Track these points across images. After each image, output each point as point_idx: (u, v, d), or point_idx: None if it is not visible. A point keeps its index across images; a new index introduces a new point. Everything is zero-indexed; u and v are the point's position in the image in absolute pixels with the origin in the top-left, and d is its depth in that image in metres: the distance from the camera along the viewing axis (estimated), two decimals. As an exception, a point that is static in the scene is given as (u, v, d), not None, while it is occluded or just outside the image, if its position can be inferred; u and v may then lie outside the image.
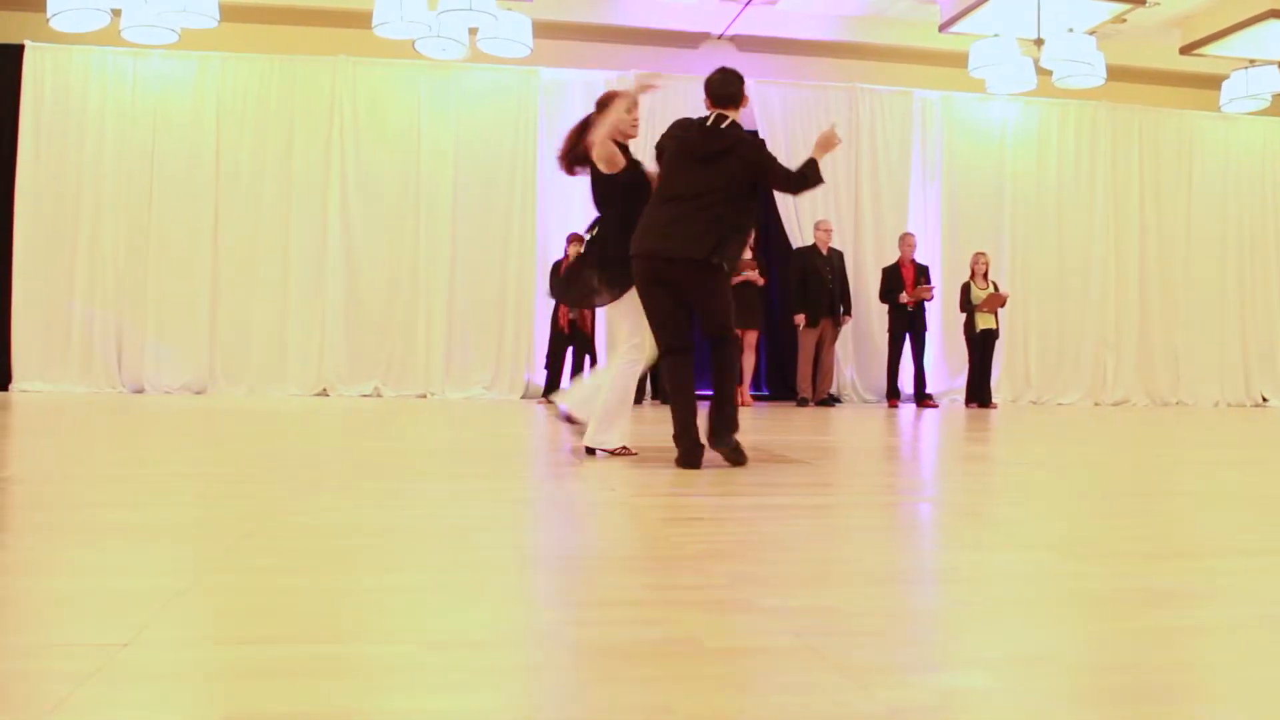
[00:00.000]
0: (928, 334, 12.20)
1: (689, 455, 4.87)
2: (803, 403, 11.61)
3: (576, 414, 5.36)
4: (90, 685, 1.63)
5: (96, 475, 4.35)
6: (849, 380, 12.48)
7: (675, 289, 4.92)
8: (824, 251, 11.73)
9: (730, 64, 12.35)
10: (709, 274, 4.91)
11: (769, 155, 5.13)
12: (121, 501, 3.64)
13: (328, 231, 11.45)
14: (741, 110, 5.12)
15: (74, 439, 6.12)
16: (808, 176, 5.06)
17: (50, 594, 2.28)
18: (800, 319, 11.62)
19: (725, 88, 5.09)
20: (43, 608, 2.18)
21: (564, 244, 11.21)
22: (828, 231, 11.81)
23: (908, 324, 11.88)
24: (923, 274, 11.98)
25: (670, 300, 4.94)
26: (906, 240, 11.99)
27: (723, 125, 5.00)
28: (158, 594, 2.23)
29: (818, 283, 11.63)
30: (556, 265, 11.16)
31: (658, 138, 5.22)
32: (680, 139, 5.05)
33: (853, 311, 12.17)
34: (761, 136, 12.31)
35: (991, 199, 12.99)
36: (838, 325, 11.84)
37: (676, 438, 4.91)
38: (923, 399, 11.97)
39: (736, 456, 4.91)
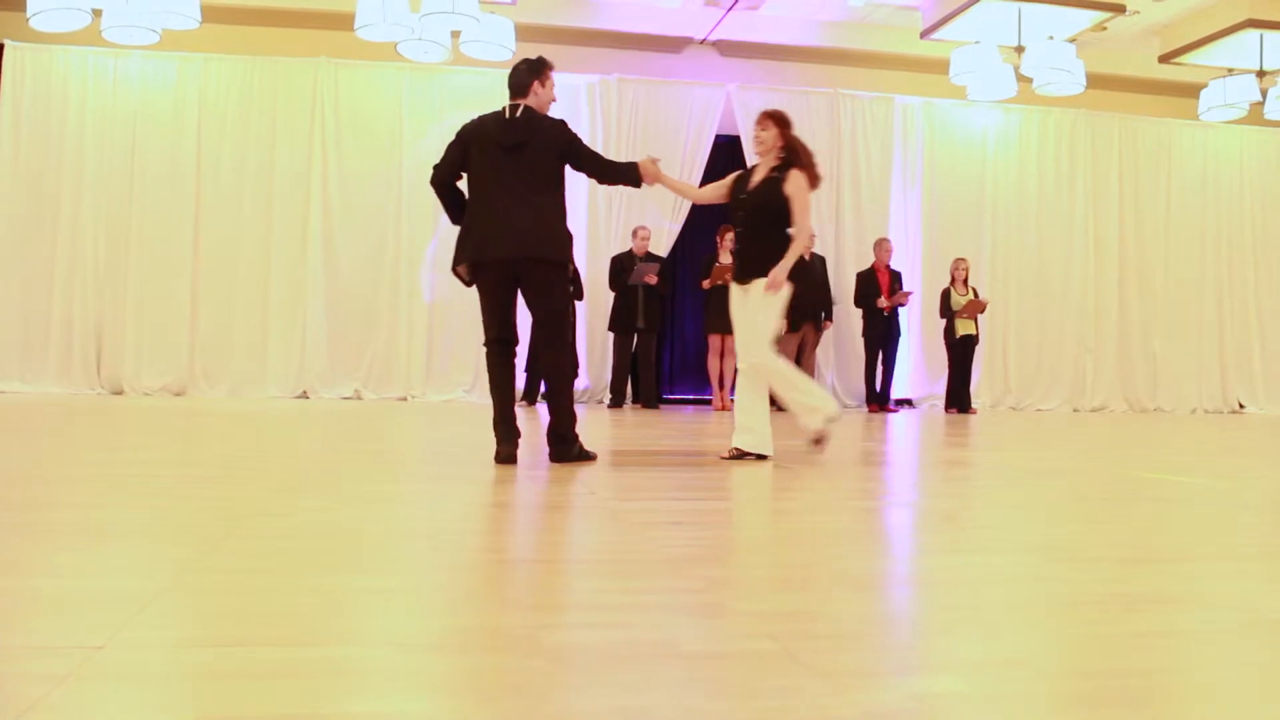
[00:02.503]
0: (909, 339, 12.25)
1: (506, 447, 5.04)
2: (780, 408, 11.62)
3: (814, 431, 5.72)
4: (65, 687, 1.62)
5: (74, 476, 4.32)
6: (829, 385, 12.51)
7: (515, 287, 5.13)
8: (806, 257, 11.74)
9: (713, 69, 12.55)
10: (556, 273, 5.13)
11: (576, 137, 5.23)
12: (99, 503, 3.62)
13: (309, 233, 11.42)
14: (541, 97, 5.19)
15: (52, 440, 6.09)
16: (623, 171, 5.36)
17: (26, 595, 2.27)
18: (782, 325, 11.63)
19: (515, 77, 5.20)
20: (18, 609, 2.16)
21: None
22: (810, 237, 11.83)
23: (884, 329, 11.91)
24: (896, 280, 12.02)
25: (508, 296, 5.15)
26: (883, 245, 12.02)
27: (518, 114, 5.12)
28: (134, 595, 2.22)
29: (800, 288, 11.65)
30: None
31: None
32: (480, 133, 5.14)
33: (833, 317, 12.21)
34: (743, 141, 12.34)
35: (972, 205, 13.05)
36: (819, 330, 11.87)
37: (495, 425, 5.09)
38: (898, 403, 12.01)
39: (584, 458, 5.15)
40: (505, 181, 5.03)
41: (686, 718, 1.58)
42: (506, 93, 5.19)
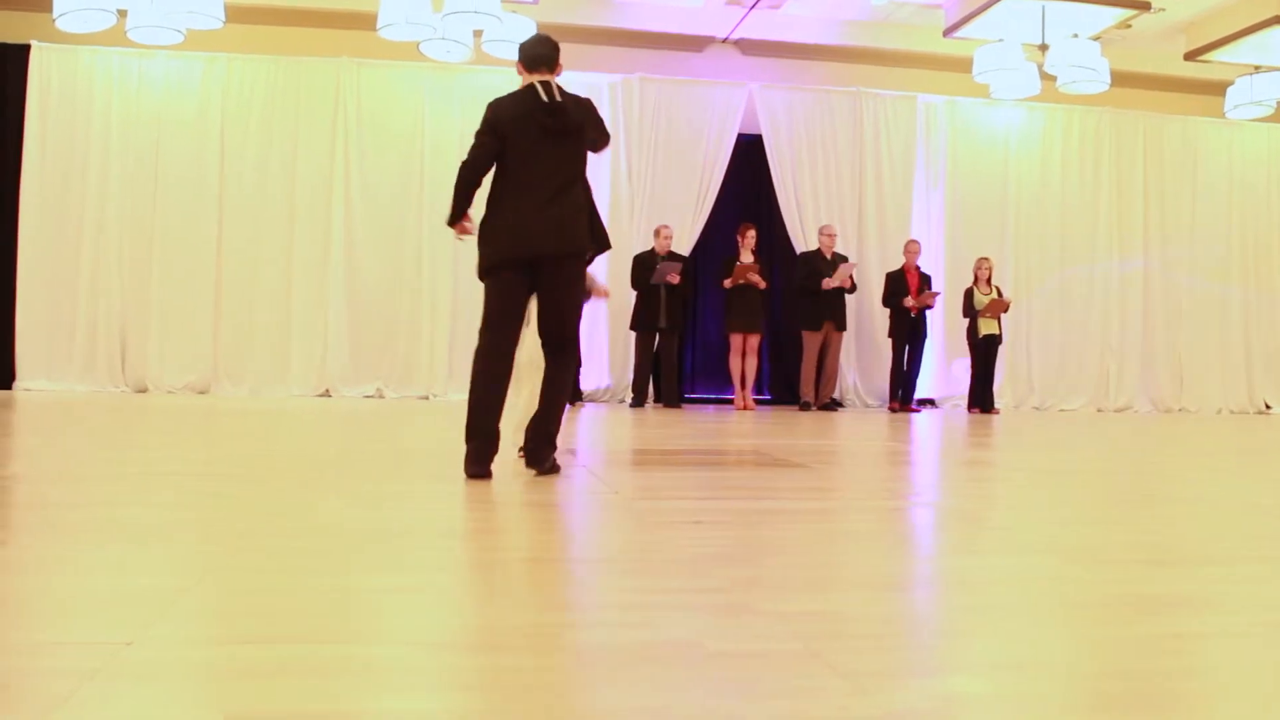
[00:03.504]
0: (932, 339, 12.21)
1: (481, 466, 4.43)
2: (805, 407, 11.60)
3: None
4: (94, 683, 1.64)
5: (99, 474, 4.36)
6: (852, 385, 12.48)
7: (534, 286, 4.67)
8: (828, 256, 11.72)
9: (735, 68, 12.53)
10: (577, 267, 4.72)
11: (601, 116, 4.87)
12: (124, 500, 3.65)
13: (331, 232, 11.46)
14: (558, 76, 4.74)
15: (77, 437, 6.13)
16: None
17: (54, 592, 2.29)
18: (828, 283, 11.47)
19: (542, 48, 4.71)
20: (46, 606, 2.18)
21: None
22: (831, 236, 11.81)
23: (910, 329, 11.87)
24: (925, 282, 11.97)
25: (528, 297, 4.71)
26: (910, 247, 11.98)
27: (558, 96, 4.62)
28: (160, 593, 2.24)
29: (820, 288, 11.59)
30: None
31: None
32: (518, 116, 4.62)
33: (861, 309, 12.19)
34: (765, 140, 12.35)
35: (995, 204, 12.98)
36: (841, 329, 11.79)
37: (472, 435, 4.47)
38: (922, 402, 11.96)
39: (555, 470, 4.60)
40: (547, 169, 4.59)
41: (710, 717, 1.58)
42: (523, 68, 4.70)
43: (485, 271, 4.67)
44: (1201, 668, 1.99)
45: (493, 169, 4.69)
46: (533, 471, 4.57)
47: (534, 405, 4.85)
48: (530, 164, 4.60)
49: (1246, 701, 1.76)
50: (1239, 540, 3.47)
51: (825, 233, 11.83)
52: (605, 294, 5.98)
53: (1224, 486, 5.13)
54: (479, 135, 4.65)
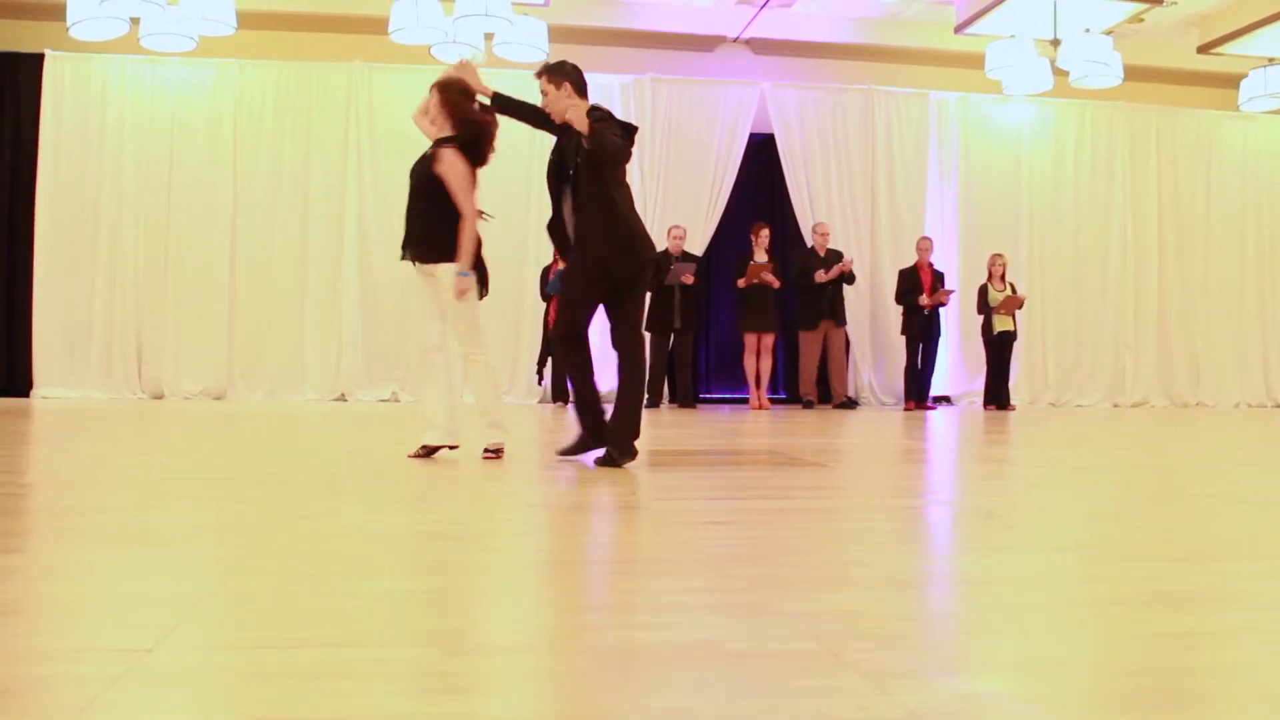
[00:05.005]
0: (946, 336, 12.16)
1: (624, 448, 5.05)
2: (808, 405, 11.57)
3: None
4: (116, 689, 1.64)
5: (118, 480, 4.37)
6: (867, 383, 12.45)
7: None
8: (821, 253, 11.67)
9: (746, 67, 12.54)
10: None
11: None
12: (143, 506, 3.66)
13: (344, 236, 11.49)
14: None
15: (95, 444, 6.16)
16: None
17: (74, 598, 2.30)
18: (821, 276, 11.51)
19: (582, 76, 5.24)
20: (67, 612, 2.19)
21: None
22: (825, 234, 11.78)
23: (923, 326, 11.82)
24: (938, 279, 11.93)
25: None
26: (923, 244, 11.94)
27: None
28: (181, 598, 2.24)
29: (815, 285, 11.52)
30: (545, 270, 11.15)
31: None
32: (624, 139, 5.03)
33: (875, 307, 12.18)
34: (777, 139, 12.34)
35: (1009, 200, 12.95)
36: (840, 325, 11.72)
37: (616, 433, 5.09)
38: (937, 400, 11.91)
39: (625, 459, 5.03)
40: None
41: (732, 717, 1.58)
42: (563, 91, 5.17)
43: (648, 282, 5.37)
44: (1225, 665, 1.97)
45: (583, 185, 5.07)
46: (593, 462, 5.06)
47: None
48: (627, 184, 5.17)
49: (1272, 699, 1.75)
50: (1261, 535, 3.45)
51: (819, 230, 11.80)
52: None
53: (1244, 481, 5.10)
54: (624, 145, 4.96)
